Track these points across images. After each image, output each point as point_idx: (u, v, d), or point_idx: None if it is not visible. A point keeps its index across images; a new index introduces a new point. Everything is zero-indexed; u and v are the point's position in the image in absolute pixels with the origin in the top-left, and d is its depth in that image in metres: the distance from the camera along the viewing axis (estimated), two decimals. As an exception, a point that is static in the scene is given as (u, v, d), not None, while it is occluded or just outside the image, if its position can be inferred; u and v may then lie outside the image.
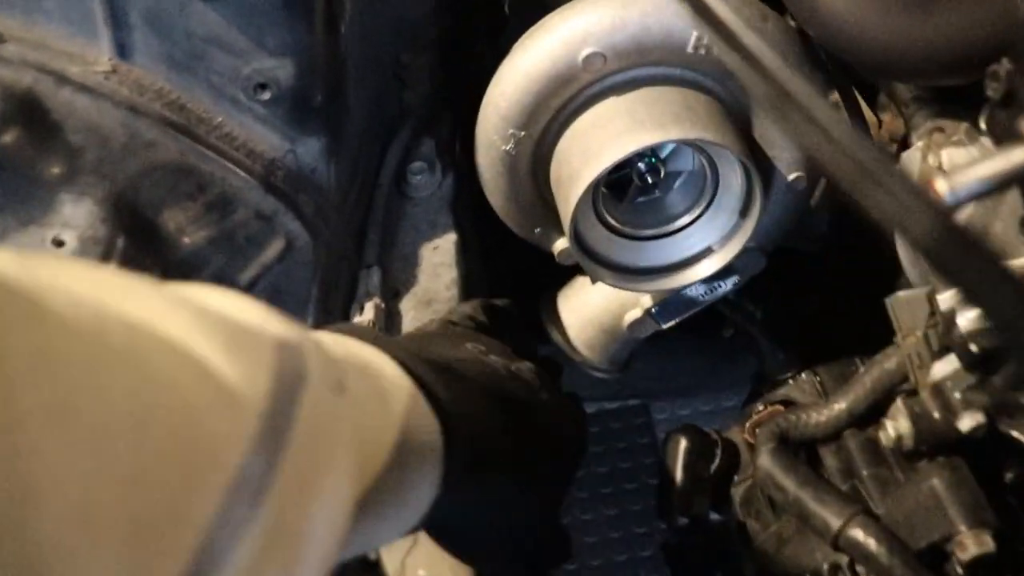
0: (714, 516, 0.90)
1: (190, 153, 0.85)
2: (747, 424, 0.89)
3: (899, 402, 0.73)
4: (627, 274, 0.91)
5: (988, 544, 0.68)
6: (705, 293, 0.96)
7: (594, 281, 0.93)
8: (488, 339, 0.70)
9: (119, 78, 0.83)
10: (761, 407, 0.90)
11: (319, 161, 0.92)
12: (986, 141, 0.72)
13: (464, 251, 1.01)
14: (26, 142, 0.79)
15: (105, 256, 0.81)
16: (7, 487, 0.28)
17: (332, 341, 0.50)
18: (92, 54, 0.83)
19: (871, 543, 0.72)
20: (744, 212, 0.87)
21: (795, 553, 0.80)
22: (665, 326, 0.99)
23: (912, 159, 0.75)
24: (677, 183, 0.91)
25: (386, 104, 1.06)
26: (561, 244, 0.92)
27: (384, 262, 0.99)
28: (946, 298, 0.71)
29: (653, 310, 0.98)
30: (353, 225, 0.99)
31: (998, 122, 0.65)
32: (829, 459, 0.81)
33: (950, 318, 0.69)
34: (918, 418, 0.71)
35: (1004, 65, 0.62)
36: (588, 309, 1.03)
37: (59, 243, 0.81)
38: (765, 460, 0.81)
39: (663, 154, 0.90)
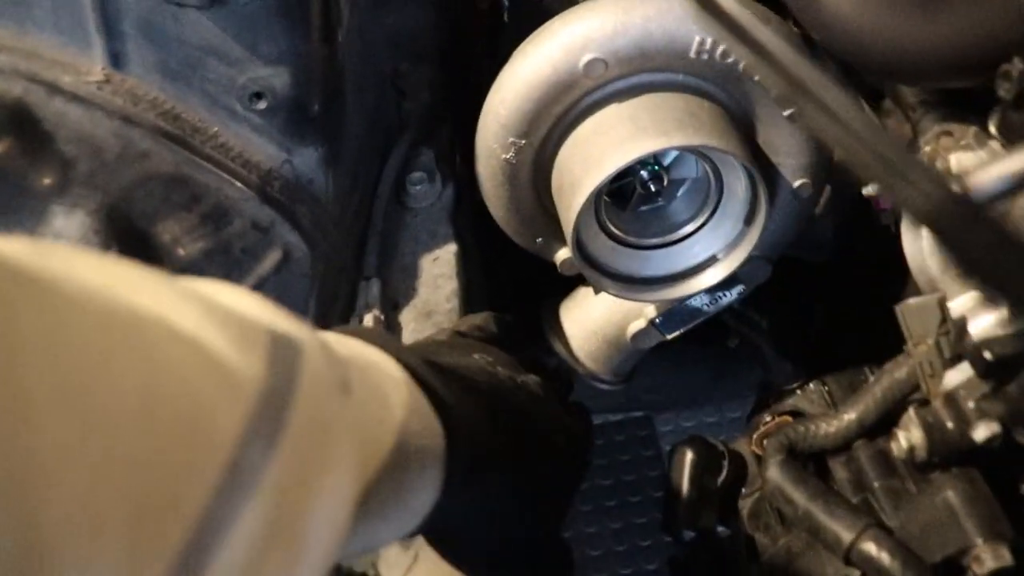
0: (721, 530, 0.89)
1: (185, 164, 0.84)
2: (754, 435, 0.88)
3: (911, 412, 0.71)
4: (630, 284, 0.90)
5: (1006, 558, 0.67)
6: (710, 303, 0.95)
7: (597, 291, 0.92)
8: (496, 351, 0.70)
9: (112, 88, 0.82)
10: (768, 418, 0.89)
11: (316, 171, 0.90)
12: (995, 145, 0.70)
13: (465, 262, 1.00)
14: (17, 153, 0.78)
15: (98, 269, 0.80)
16: (14, 472, 0.28)
17: (337, 342, 0.51)
18: (85, 64, 0.82)
19: (884, 557, 0.71)
20: (749, 220, 0.86)
21: (805, 568, 0.79)
22: (669, 337, 0.98)
23: (920, 164, 0.74)
24: (681, 191, 0.90)
25: (385, 114, 1.05)
26: (563, 254, 0.91)
27: (383, 273, 0.98)
28: (958, 305, 0.70)
29: (657, 321, 0.97)
30: (352, 236, 0.98)
31: (1011, 123, 0.63)
32: (839, 471, 0.79)
33: (962, 325, 0.68)
34: (931, 428, 0.70)
35: (1016, 65, 0.60)
36: (591, 320, 1.02)
37: (51, 255, 0.79)
38: (774, 472, 0.80)
39: (666, 161, 0.89)
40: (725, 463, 0.88)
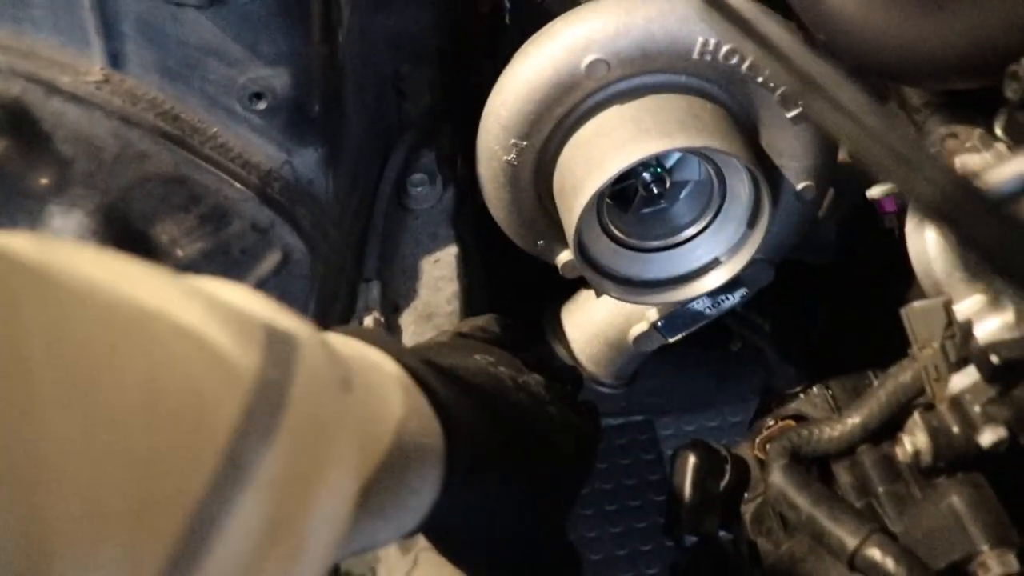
0: (723, 535, 0.88)
1: (184, 164, 0.83)
2: (757, 440, 0.87)
3: (916, 416, 0.70)
4: (633, 287, 0.89)
5: (1012, 564, 0.66)
6: (712, 306, 0.95)
7: (599, 294, 0.91)
8: (498, 351, 0.70)
9: (111, 88, 0.81)
10: (771, 422, 0.88)
11: (317, 172, 0.90)
12: (1001, 147, 0.70)
13: (465, 264, 1.00)
14: (14, 152, 0.78)
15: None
16: (18, 466, 0.28)
17: (338, 341, 0.51)
18: (84, 64, 0.81)
19: (889, 563, 0.70)
20: (752, 223, 0.86)
21: (809, 573, 0.78)
22: (671, 340, 0.97)
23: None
24: (683, 193, 0.90)
25: (386, 115, 1.04)
26: (565, 256, 0.90)
27: (384, 275, 0.98)
28: (964, 308, 0.69)
29: (659, 324, 0.96)
30: (352, 238, 0.98)
31: (1018, 124, 0.63)
32: (843, 476, 0.79)
33: (968, 328, 0.67)
34: (936, 433, 0.69)
35: (1024, 65, 0.60)
36: (593, 323, 1.01)
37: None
38: (777, 477, 0.79)
39: (669, 163, 0.88)
40: (728, 467, 0.87)
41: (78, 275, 0.34)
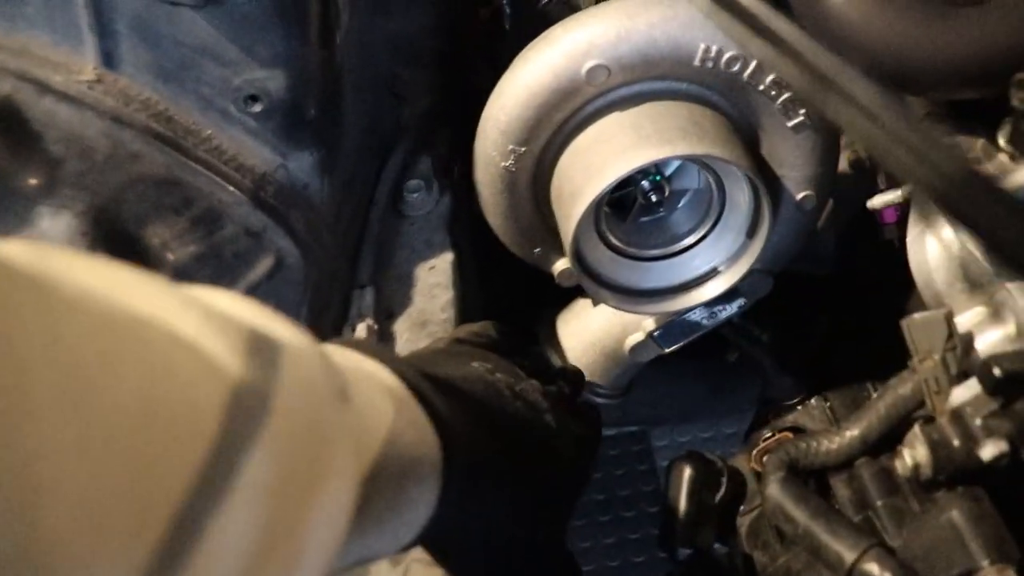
0: (719, 547, 0.87)
1: (176, 166, 0.82)
2: (754, 451, 0.86)
3: (917, 429, 0.70)
4: (630, 296, 0.88)
5: (1012, 580, 0.65)
6: (709, 316, 0.94)
7: (595, 303, 0.90)
8: (496, 357, 0.69)
9: (104, 88, 0.80)
10: (768, 434, 0.87)
11: (311, 176, 0.89)
12: (1003, 158, 0.69)
13: (461, 271, 0.99)
14: (3, 152, 0.77)
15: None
16: (14, 474, 0.28)
17: (335, 352, 0.51)
18: (77, 63, 0.80)
19: (887, 578, 0.69)
20: (751, 232, 0.85)
21: (806, 587, 0.77)
22: (668, 350, 0.97)
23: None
24: (682, 202, 0.89)
25: (383, 120, 1.03)
26: (561, 264, 0.89)
27: (378, 282, 0.97)
28: (965, 320, 0.69)
29: (656, 334, 0.96)
30: (346, 243, 0.97)
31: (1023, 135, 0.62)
32: (841, 489, 0.78)
33: (969, 340, 0.66)
34: (936, 446, 0.68)
35: (1030, 75, 0.59)
36: (589, 332, 1.01)
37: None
38: (774, 489, 0.78)
39: (668, 171, 0.87)
40: (724, 479, 0.86)
41: (73, 282, 0.34)
